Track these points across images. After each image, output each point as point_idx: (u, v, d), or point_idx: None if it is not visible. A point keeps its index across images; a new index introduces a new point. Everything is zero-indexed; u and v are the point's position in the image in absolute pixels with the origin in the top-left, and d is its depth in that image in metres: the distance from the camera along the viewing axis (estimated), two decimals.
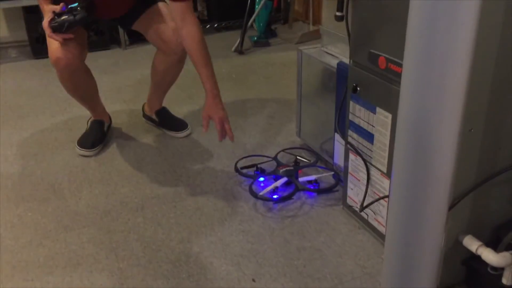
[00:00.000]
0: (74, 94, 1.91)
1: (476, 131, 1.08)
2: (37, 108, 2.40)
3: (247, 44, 3.23)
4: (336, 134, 1.63)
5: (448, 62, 0.65)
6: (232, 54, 3.14)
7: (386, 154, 1.30)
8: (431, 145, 0.69)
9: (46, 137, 2.12)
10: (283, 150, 1.90)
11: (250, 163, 1.82)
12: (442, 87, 0.66)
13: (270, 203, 1.61)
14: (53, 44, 1.67)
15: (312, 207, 1.60)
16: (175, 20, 1.67)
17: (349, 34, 1.38)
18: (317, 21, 3.41)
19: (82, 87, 1.88)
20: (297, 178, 1.70)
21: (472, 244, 1.13)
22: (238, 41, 3.13)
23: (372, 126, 1.33)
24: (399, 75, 1.17)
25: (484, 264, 1.10)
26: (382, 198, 1.35)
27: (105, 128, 2.06)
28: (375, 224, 1.43)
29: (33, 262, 1.40)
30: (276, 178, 1.69)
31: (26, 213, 1.61)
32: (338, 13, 1.46)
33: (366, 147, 1.39)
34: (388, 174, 1.32)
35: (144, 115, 2.20)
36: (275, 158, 1.84)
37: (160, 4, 1.86)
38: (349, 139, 1.46)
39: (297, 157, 1.85)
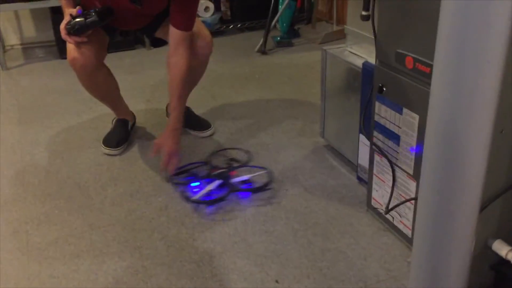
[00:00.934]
0: (94, 94, 1.95)
1: (507, 132, 1.06)
2: (63, 107, 2.44)
3: (270, 44, 3.22)
4: (361, 135, 1.61)
5: (481, 62, 0.63)
6: (255, 54, 3.13)
7: (413, 156, 1.28)
8: (462, 146, 0.68)
9: (72, 135, 2.15)
10: (216, 152, 1.93)
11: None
12: (474, 87, 0.64)
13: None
14: (70, 45, 1.74)
15: (336, 210, 1.59)
16: (169, 45, 1.76)
17: (375, 34, 1.37)
18: (340, 21, 3.38)
19: (101, 86, 1.91)
20: (230, 179, 1.72)
21: (502, 248, 1.11)
22: (261, 41, 3.13)
23: (399, 127, 1.31)
24: (426, 75, 1.16)
25: None
26: (409, 200, 1.33)
27: (129, 127, 2.09)
28: (400, 226, 1.40)
29: (59, 259, 1.42)
30: (209, 182, 1.71)
31: (53, 211, 1.64)
32: (364, 13, 1.45)
33: (391, 148, 1.37)
34: (415, 176, 1.30)
35: (168, 115, 2.21)
36: (207, 162, 1.86)
37: None
38: (374, 140, 1.44)
39: (229, 158, 1.88)
